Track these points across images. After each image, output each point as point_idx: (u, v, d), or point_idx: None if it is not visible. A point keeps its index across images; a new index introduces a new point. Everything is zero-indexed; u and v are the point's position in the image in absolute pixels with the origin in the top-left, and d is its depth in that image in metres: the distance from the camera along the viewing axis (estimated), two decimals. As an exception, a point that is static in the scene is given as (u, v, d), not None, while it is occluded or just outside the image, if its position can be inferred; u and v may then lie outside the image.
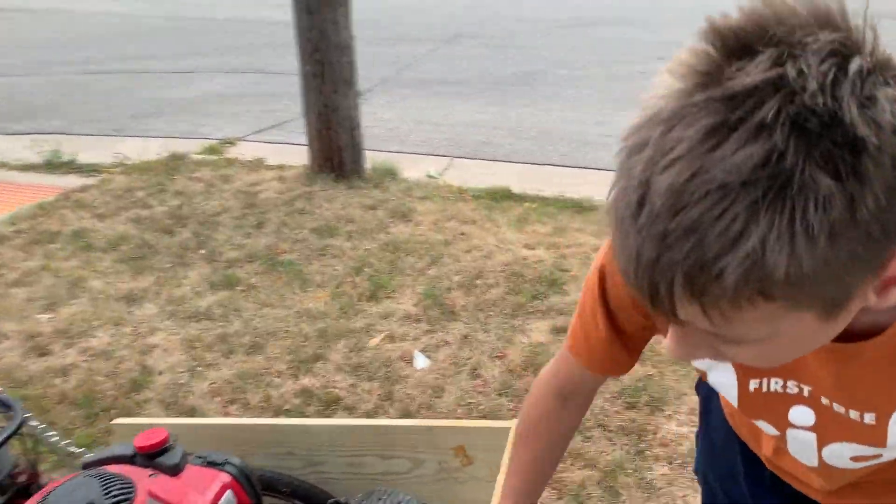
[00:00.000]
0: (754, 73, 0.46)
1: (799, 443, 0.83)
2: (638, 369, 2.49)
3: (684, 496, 2.02)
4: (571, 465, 2.13)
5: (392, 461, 1.58)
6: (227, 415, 2.44)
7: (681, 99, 0.48)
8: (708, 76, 0.47)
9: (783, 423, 0.82)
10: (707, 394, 1.19)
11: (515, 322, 2.81)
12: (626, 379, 2.45)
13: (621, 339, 0.88)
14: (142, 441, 1.26)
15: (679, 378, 2.44)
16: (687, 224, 0.46)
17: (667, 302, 0.50)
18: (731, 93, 0.46)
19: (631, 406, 2.35)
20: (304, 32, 3.90)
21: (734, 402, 0.84)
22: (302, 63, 4.00)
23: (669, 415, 2.31)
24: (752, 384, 0.81)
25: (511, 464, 1.04)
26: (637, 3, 10.69)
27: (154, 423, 1.53)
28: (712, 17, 0.49)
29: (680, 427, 2.25)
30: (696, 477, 1.35)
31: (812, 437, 0.81)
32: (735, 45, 0.47)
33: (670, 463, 2.13)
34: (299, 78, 4.07)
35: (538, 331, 2.74)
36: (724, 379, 0.83)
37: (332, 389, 2.54)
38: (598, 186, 4.03)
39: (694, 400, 2.33)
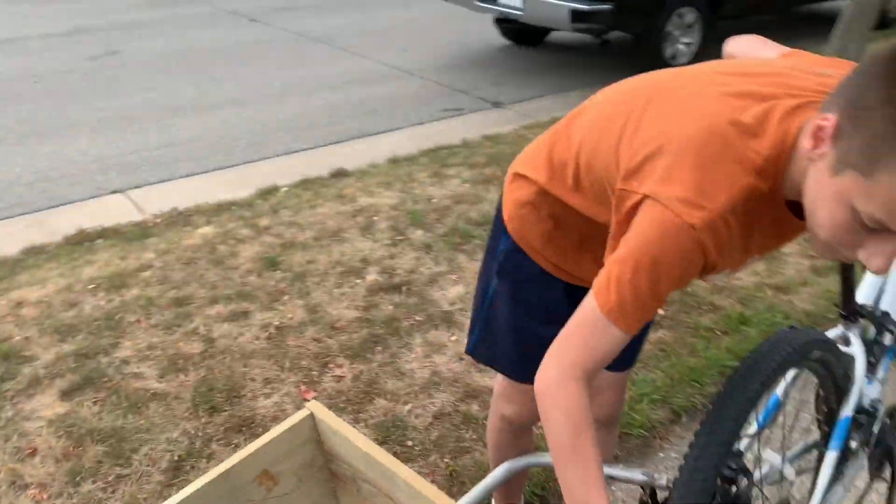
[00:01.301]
0: None
1: None
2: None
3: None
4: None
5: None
6: None
7: None
8: None
9: None
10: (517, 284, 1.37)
11: (5, 414, 2.20)
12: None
13: None
14: None
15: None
16: None
17: None
18: None
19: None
20: None
21: None
22: None
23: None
24: None
25: (587, 479, 0.95)
26: None
27: None
28: None
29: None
30: (474, 360, 1.55)
31: None
32: None
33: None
34: None
35: (46, 406, 2.22)
36: None
37: None
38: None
39: (219, 312, 2.35)
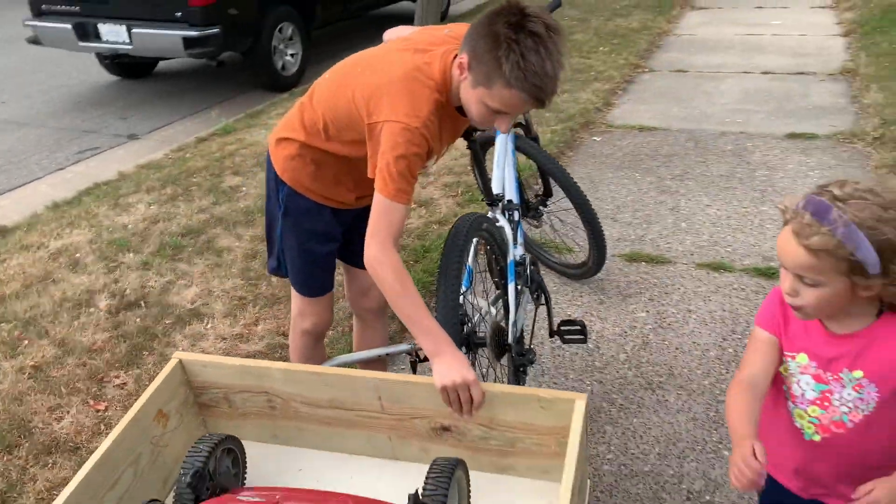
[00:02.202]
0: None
1: None
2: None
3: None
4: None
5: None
6: None
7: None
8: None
9: None
10: (293, 210, 1.95)
11: None
12: None
13: None
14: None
15: None
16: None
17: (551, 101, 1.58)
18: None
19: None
20: None
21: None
22: None
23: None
24: None
25: (416, 307, 1.60)
26: None
27: None
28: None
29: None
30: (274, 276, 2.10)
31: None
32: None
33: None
34: None
35: None
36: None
37: None
38: None
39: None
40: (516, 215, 2.56)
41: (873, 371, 1.28)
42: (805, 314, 1.30)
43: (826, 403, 1.34)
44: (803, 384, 1.36)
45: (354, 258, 2.23)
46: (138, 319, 3.01)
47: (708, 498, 2.13)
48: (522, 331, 2.33)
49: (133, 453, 1.65)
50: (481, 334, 2.15)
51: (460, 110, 1.77)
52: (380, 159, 1.65)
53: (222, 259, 3.43)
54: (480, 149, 2.63)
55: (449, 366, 1.59)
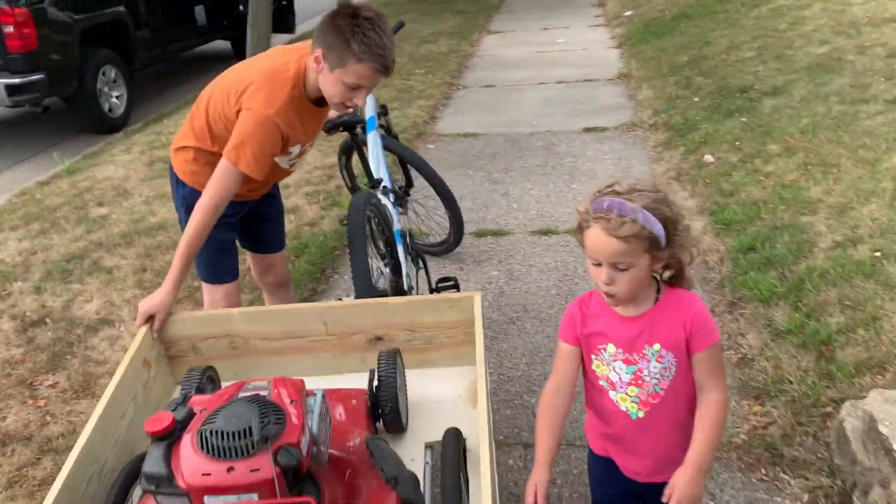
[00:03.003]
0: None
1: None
2: None
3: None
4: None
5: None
6: None
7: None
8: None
9: None
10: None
11: None
12: None
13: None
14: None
15: None
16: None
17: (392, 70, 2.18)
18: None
19: None
20: None
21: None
22: None
23: None
24: None
25: (185, 252, 2.11)
26: None
27: None
28: None
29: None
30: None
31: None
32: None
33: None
34: None
35: None
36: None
37: None
38: None
39: None
40: (392, 196, 3.20)
41: (667, 339, 1.51)
42: (617, 301, 1.51)
43: (640, 381, 1.54)
44: (618, 370, 1.56)
45: (257, 246, 2.76)
46: (49, 333, 3.29)
47: (567, 388, 2.86)
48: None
49: (132, 391, 2.08)
50: (382, 287, 2.76)
51: (319, 104, 2.27)
52: (234, 136, 2.13)
53: (113, 276, 3.76)
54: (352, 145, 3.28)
55: (152, 297, 2.15)
